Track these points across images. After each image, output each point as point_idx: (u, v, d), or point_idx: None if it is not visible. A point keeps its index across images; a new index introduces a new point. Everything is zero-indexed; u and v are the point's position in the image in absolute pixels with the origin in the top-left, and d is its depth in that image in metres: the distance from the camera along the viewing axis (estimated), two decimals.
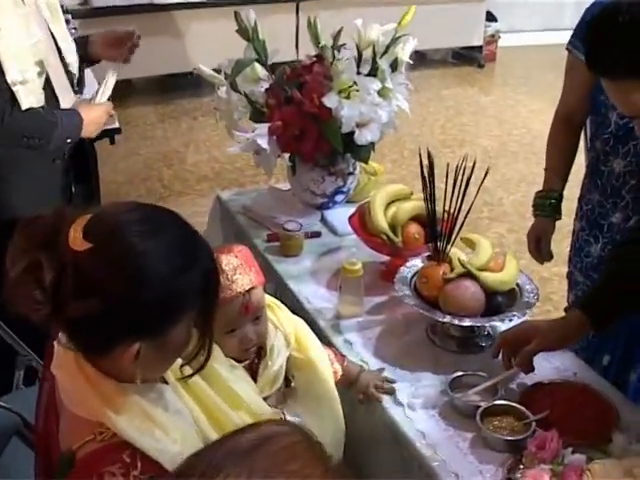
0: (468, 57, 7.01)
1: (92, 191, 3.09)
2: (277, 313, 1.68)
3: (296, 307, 2.03)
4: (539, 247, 2.23)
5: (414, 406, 1.68)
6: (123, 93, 5.96)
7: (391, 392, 1.72)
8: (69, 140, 2.28)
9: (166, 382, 1.31)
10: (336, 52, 2.20)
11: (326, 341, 1.84)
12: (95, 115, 2.33)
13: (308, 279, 2.17)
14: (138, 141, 5.41)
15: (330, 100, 2.14)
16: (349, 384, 1.74)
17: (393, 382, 1.75)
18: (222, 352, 1.53)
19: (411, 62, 2.36)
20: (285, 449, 0.90)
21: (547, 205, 2.16)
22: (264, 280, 1.60)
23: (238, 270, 1.52)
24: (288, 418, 1.60)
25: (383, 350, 1.86)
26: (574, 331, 1.63)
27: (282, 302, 1.72)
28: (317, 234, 2.40)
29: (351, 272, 1.93)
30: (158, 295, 1.13)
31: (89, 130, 2.32)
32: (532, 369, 1.67)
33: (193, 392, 1.37)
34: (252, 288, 1.53)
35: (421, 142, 5.38)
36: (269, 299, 1.66)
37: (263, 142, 2.18)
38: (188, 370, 1.32)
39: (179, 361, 1.30)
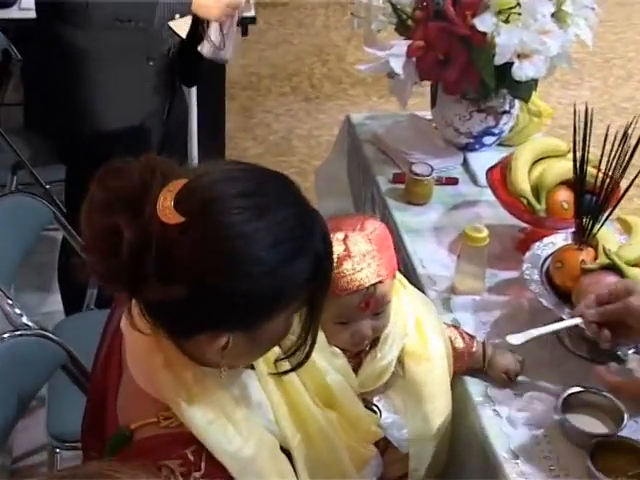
0: None
1: (212, 94, 3.11)
2: (401, 295, 1.62)
3: (406, 269, 1.99)
4: None
5: (515, 421, 1.59)
6: None
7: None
8: (177, 16, 2.26)
9: (252, 366, 1.29)
10: None
11: None
12: None
13: (429, 236, 2.11)
14: (293, 28, 5.39)
15: (483, 22, 2.01)
16: (477, 369, 1.69)
17: None
18: (324, 339, 1.49)
19: None
20: None
21: None
22: (396, 268, 1.55)
23: (367, 258, 1.45)
24: (384, 416, 1.58)
25: (497, 341, 1.76)
26: None
27: None
28: (453, 181, 2.32)
29: (473, 240, 1.83)
30: (257, 287, 1.07)
31: (208, 12, 2.27)
32: (608, 339, 1.49)
33: (281, 383, 1.33)
34: (380, 282, 1.47)
35: (633, 69, 5.06)
36: None
37: (397, 65, 2.09)
38: (284, 365, 1.29)
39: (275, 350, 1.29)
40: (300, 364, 1.25)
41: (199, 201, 1.05)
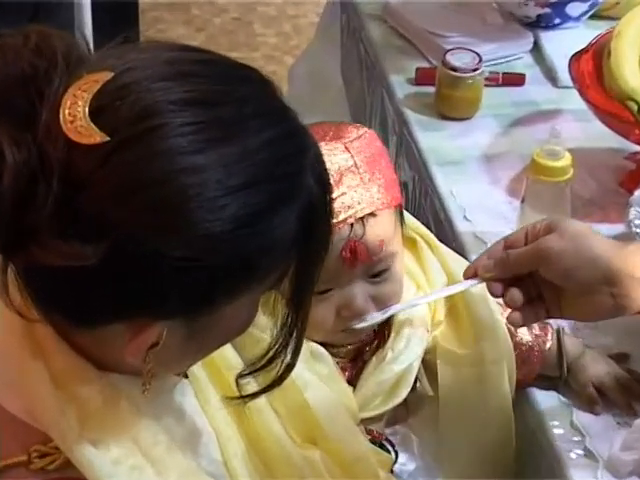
0: None
1: None
2: (427, 261, 1.66)
3: (438, 224, 2.01)
4: None
5: (620, 467, 1.56)
6: None
7: None
8: None
9: (185, 374, 1.31)
10: None
11: None
12: None
13: (475, 170, 2.13)
14: None
15: None
16: (554, 379, 1.69)
17: None
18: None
19: None
20: None
21: None
22: (400, 199, 1.57)
23: (348, 178, 1.48)
24: (402, 459, 1.60)
25: (584, 330, 1.77)
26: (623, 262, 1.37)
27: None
28: (517, 78, 2.34)
29: (548, 172, 1.83)
30: (214, 252, 1.05)
31: None
32: (518, 305, 1.43)
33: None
34: (371, 214, 1.48)
35: None
36: (412, 229, 1.65)
37: None
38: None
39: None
40: (279, 380, 1.25)
41: (132, 111, 1.02)
